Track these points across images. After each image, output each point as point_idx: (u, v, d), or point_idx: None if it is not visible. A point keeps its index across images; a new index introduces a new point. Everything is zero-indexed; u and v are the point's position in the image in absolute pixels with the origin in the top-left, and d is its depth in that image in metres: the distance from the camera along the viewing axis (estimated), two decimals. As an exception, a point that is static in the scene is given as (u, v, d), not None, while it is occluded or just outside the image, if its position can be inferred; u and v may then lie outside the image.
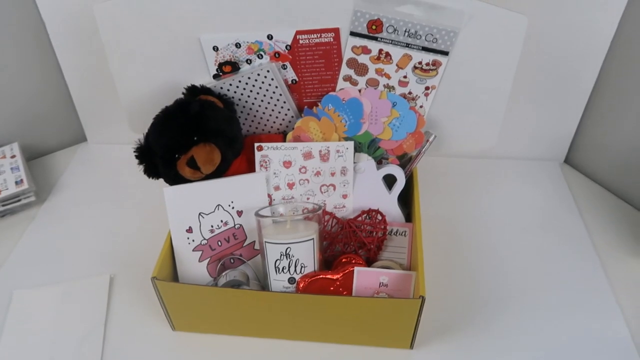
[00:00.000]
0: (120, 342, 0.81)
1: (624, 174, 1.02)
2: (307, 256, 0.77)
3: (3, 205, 0.99)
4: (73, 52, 1.05)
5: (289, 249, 0.76)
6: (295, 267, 0.77)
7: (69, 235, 0.99)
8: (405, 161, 0.91)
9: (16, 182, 1.00)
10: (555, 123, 1.06)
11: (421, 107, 0.90)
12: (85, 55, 1.03)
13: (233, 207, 0.82)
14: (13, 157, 1.06)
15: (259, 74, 0.88)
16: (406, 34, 0.83)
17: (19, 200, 1.01)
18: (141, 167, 0.83)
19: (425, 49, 0.84)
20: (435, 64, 0.86)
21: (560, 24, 0.90)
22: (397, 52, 0.85)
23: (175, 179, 0.81)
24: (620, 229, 0.97)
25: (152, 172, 0.83)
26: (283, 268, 0.77)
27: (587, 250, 0.93)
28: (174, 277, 0.82)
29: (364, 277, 0.78)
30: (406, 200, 0.91)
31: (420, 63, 0.86)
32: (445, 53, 0.85)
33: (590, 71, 0.97)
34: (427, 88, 0.88)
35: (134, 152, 0.82)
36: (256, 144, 0.84)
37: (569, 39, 0.93)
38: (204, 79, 0.90)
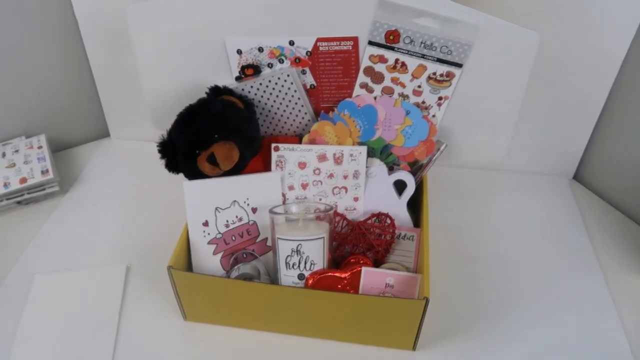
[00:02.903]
0: (133, 329, 0.85)
1: (633, 192, 1.04)
2: (317, 254, 0.80)
3: (28, 193, 1.04)
4: (102, 50, 1.09)
5: (300, 246, 0.79)
6: (305, 263, 0.80)
7: (89, 225, 1.03)
8: (416, 168, 0.94)
9: (42, 172, 1.05)
10: (565, 139, 1.09)
11: (434, 116, 0.93)
12: (114, 53, 1.08)
13: (248, 204, 0.86)
14: (40, 147, 1.10)
15: (279, 78, 0.91)
16: (422, 45, 0.87)
17: (44, 189, 1.05)
18: (163, 161, 0.86)
19: (440, 60, 0.87)
20: (449, 75, 0.88)
21: (573, 41, 0.93)
22: (412, 62, 0.88)
23: (194, 174, 0.84)
24: (626, 247, 0.98)
25: (172, 166, 0.86)
26: (293, 264, 0.80)
27: (591, 265, 0.95)
28: (189, 268, 0.85)
29: (370, 277, 0.80)
30: (415, 206, 0.93)
31: (434, 74, 0.89)
32: (459, 65, 0.87)
33: (602, 88, 1.00)
34: (440, 98, 0.91)
35: (157, 146, 0.85)
36: (273, 145, 0.87)
37: (581, 55, 0.95)
38: (227, 80, 0.93)
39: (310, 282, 0.80)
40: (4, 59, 1.06)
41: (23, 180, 1.03)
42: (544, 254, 0.97)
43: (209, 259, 0.84)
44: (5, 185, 1.02)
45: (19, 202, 1.04)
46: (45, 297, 0.89)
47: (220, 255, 0.85)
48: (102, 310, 0.86)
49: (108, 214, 1.05)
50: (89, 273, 0.92)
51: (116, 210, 1.06)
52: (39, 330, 0.84)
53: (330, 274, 0.81)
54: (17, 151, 1.09)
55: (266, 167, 0.89)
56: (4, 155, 1.08)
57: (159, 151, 0.85)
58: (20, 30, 1.04)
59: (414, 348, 0.82)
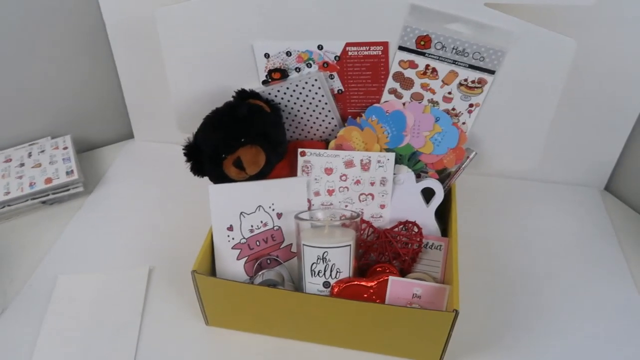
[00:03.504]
0: (154, 332, 0.84)
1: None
2: (343, 262, 0.79)
3: (53, 194, 1.04)
4: (129, 53, 1.09)
5: (326, 253, 0.78)
6: (331, 271, 0.78)
7: (112, 226, 1.02)
8: (444, 176, 0.92)
9: (67, 173, 1.05)
10: (597, 148, 1.05)
11: (464, 123, 0.91)
12: (140, 56, 1.08)
13: (273, 209, 0.85)
14: (65, 148, 1.11)
15: (306, 82, 0.90)
16: (454, 51, 0.85)
17: (68, 190, 1.05)
18: (188, 165, 0.86)
19: (472, 66, 0.86)
20: (481, 82, 0.87)
21: (608, 50, 0.90)
22: (443, 69, 0.87)
23: (219, 177, 0.84)
24: (661, 260, 0.95)
25: (198, 170, 0.86)
26: (319, 272, 0.79)
27: (624, 280, 0.91)
28: (212, 273, 0.84)
29: (397, 286, 0.79)
30: (442, 215, 0.91)
31: (465, 80, 0.87)
32: (492, 72, 0.86)
33: (637, 97, 0.97)
34: (471, 105, 0.89)
35: (183, 149, 0.85)
36: (299, 150, 0.86)
37: (616, 64, 0.92)
38: (254, 84, 0.93)
39: (335, 290, 0.78)
40: (32, 61, 1.07)
41: (48, 180, 1.03)
42: (575, 266, 0.94)
43: (232, 264, 0.83)
44: (31, 185, 1.02)
45: (43, 202, 1.05)
46: (68, 299, 0.88)
47: (244, 260, 0.84)
48: (124, 313, 0.86)
49: (131, 216, 1.05)
50: (111, 275, 0.92)
51: (140, 212, 1.06)
52: (61, 332, 0.83)
53: (356, 282, 0.79)
54: (43, 151, 1.10)
55: (292, 172, 0.88)
56: (30, 155, 1.09)
57: (185, 154, 0.85)
58: (48, 32, 1.05)
59: (440, 361, 0.80)
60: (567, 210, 1.06)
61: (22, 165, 1.07)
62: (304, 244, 0.79)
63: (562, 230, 1.02)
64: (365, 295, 0.79)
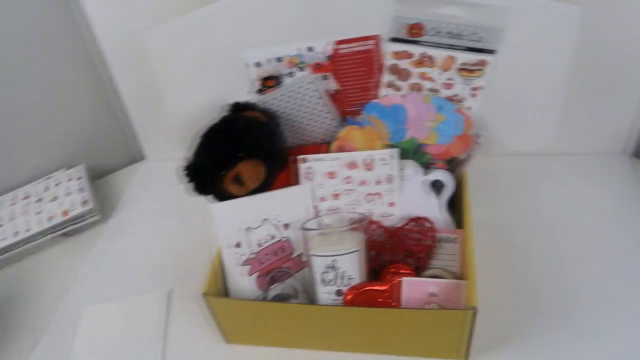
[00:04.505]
0: (177, 354, 0.84)
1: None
2: (353, 268, 0.77)
3: (72, 225, 1.06)
4: (129, 73, 1.10)
5: (335, 261, 0.76)
6: (342, 279, 0.77)
7: (132, 251, 1.04)
8: (454, 165, 0.88)
9: (82, 203, 1.07)
10: (619, 113, 0.99)
11: (469, 108, 0.87)
12: (140, 75, 1.08)
13: (279, 221, 0.83)
14: (79, 178, 1.13)
15: (301, 86, 0.88)
16: (449, 35, 0.81)
17: (85, 220, 1.07)
18: (190, 185, 0.85)
19: (470, 49, 0.81)
20: (482, 63, 0.82)
21: (620, 11, 0.83)
22: (440, 55, 0.83)
23: (222, 195, 0.83)
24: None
25: (201, 189, 0.85)
26: (330, 281, 0.77)
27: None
28: (225, 291, 0.83)
29: (412, 287, 0.76)
30: (457, 205, 0.88)
31: (465, 64, 0.83)
32: (492, 52, 0.81)
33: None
34: (474, 89, 0.85)
35: (183, 170, 0.85)
36: (300, 157, 0.85)
37: (629, 24, 0.86)
38: (249, 94, 0.92)
39: (348, 297, 0.77)
40: (40, 98, 1.09)
41: (65, 213, 1.05)
42: (606, 243, 0.88)
43: (244, 280, 0.83)
44: (49, 219, 1.05)
45: (64, 235, 1.07)
46: (94, 329, 0.90)
47: (255, 275, 0.83)
48: (147, 339, 0.87)
49: (149, 239, 1.06)
50: (132, 301, 0.93)
51: (157, 233, 1.06)
52: (89, 362, 0.85)
53: (369, 287, 0.77)
54: (59, 184, 1.12)
55: (296, 180, 0.87)
56: (46, 189, 1.11)
57: (186, 175, 0.84)
58: (51, 67, 1.07)
59: (466, 358, 0.77)
60: (592, 182, 1.00)
61: (39, 200, 1.09)
62: (311, 254, 0.78)
63: (589, 204, 0.96)
64: (380, 300, 0.77)
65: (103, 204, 1.13)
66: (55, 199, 1.09)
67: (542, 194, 0.99)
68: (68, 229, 1.06)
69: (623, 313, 0.79)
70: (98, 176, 1.23)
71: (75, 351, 0.87)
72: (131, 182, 1.21)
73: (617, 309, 0.79)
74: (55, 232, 1.05)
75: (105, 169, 1.24)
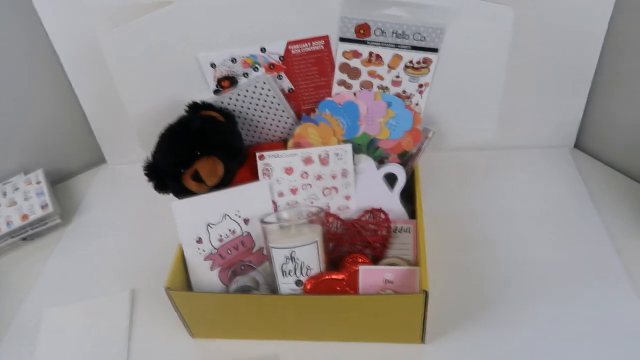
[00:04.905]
0: (143, 352, 0.85)
1: (635, 153, 1.00)
2: (311, 258, 0.80)
3: (31, 229, 1.06)
4: (86, 77, 1.10)
5: (293, 253, 0.79)
6: (301, 269, 0.80)
7: (93, 254, 1.04)
8: (406, 158, 0.93)
9: (41, 207, 1.06)
10: (561, 108, 1.05)
11: (417, 104, 0.92)
12: (98, 78, 1.08)
13: (239, 216, 0.86)
14: (38, 182, 1.12)
15: (256, 86, 0.91)
16: (394, 35, 0.85)
17: (45, 224, 1.07)
18: (151, 184, 0.87)
19: (414, 47, 0.86)
20: (426, 61, 0.87)
21: (553, 9, 0.89)
22: (387, 54, 0.87)
23: (183, 192, 0.85)
24: (633, 210, 0.95)
25: (161, 187, 0.87)
26: (289, 271, 0.80)
27: (599, 235, 0.91)
28: (188, 286, 0.85)
29: (368, 275, 0.80)
30: (410, 196, 0.92)
31: (411, 62, 0.87)
32: (435, 50, 0.86)
33: (591, 51, 0.96)
34: (420, 85, 0.89)
35: (143, 170, 0.86)
36: (258, 154, 0.87)
37: (563, 22, 0.92)
38: (205, 94, 0.94)
39: (308, 287, 0.80)
40: (-8, 102, 1.08)
41: (24, 217, 1.05)
42: (550, 228, 0.94)
43: (207, 275, 0.85)
44: (8, 224, 1.04)
45: (24, 239, 1.06)
46: (56, 331, 0.90)
47: (217, 270, 0.85)
48: (111, 339, 0.87)
49: (111, 240, 1.06)
50: (95, 302, 0.93)
51: (118, 235, 1.07)
52: (52, 365, 0.85)
53: (327, 277, 0.80)
54: (17, 189, 1.11)
55: (255, 177, 0.89)
56: (4, 194, 1.10)
57: (146, 174, 0.86)
58: (7, 71, 1.06)
59: (422, 340, 0.81)
60: (536, 173, 1.05)
61: (-3, 206, 1.08)
62: (271, 247, 0.80)
63: (534, 193, 1.01)
64: (339, 288, 0.80)
65: (63, 208, 1.13)
66: (13, 203, 1.08)
67: (488, 186, 1.04)
68: (28, 233, 1.05)
69: (560, 286, 0.84)
70: (58, 180, 1.22)
71: (37, 354, 0.87)
72: (91, 186, 1.21)
73: (554, 283, 0.85)
74: (14, 236, 1.04)
75: (65, 173, 1.23)
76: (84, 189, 1.20)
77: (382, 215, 0.87)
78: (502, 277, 0.88)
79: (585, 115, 1.06)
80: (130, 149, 1.19)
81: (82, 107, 1.15)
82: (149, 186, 0.88)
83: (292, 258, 0.79)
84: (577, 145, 1.11)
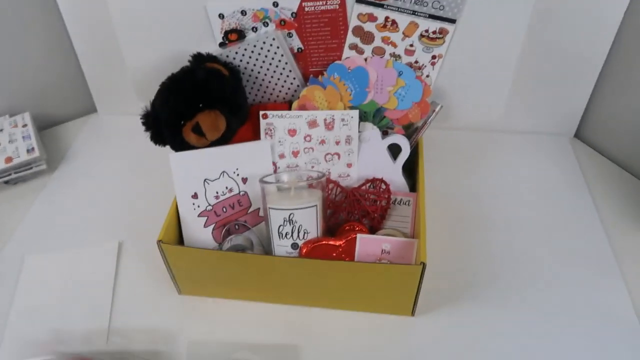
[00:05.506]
0: (127, 305, 0.83)
1: (634, 148, 1.01)
2: (310, 222, 0.78)
3: (15, 173, 1.01)
4: (82, 23, 1.05)
5: (292, 215, 0.77)
6: (299, 233, 0.78)
7: (79, 203, 1.01)
8: (411, 131, 0.91)
9: (27, 150, 1.02)
10: (565, 97, 1.05)
11: (427, 76, 0.90)
12: (95, 26, 1.04)
13: (238, 174, 0.83)
14: (24, 126, 1.07)
15: (264, 42, 0.87)
16: (413, 1, 0.83)
17: (31, 168, 1.03)
18: (148, 134, 0.83)
19: (432, 16, 0.84)
20: (442, 32, 0.85)
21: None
22: (403, 20, 0.84)
23: (181, 145, 0.82)
24: (628, 204, 0.96)
25: (158, 138, 0.84)
26: (286, 234, 0.78)
27: (593, 223, 0.92)
28: (180, 242, 0.83)
29: (366, 244, 0.78)
30: (411, 171, 0.91)
31: (427, 31, 0.85)
32: (453, 21, 0.84)
33: (602, 45, 0.95)
34: (433, 57, 0.87)
35: (141, 118, 0.83)
36: (261, 112, 0.84)
37: (581, 11, 0.91)
38: (210, 47, 0.90)
39: (304, 251, 0.78)
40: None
41: (8, 159, 1.00)
42: (545, 213, 0.95)
43: (200, 232, 0.83)
44: (-9, 165, 1.00)
45: (6, 182, 1.02)
46: (37, 278, 0.87)
47: (211, 227, 0.83)
48: (95, 289, 0.85)
49: (98, 191, 1.03)
50: (80, 252, 0.91)
51: (106, 186, 1.04)
52: (32, 312, 0.82)
53: (324, 242, 0.79)
54: (1, 130, 1.07)
55: (255, 136, 0.87)
56: (-12, 135, 1.06)
57: (143, 123, 0.83)
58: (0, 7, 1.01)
59: (412, 314, 0.80)
60: (536, 159, 1.06)
61: (-20, 146, 1.04)
62: (269, 207, 0.78)
63: (532, 178, 1.02)
64: (334, 254, 0.79)
65: (50, 154, 1.09)
66: (-3, 145, 1.03)
67: (490, 166, 1.04)
68: (11, 176, 1.01)
69: (552, 270, 0.85)
70: (45, 126, 1.17)
71: (17, 301, 0.84)
72: (80, 134, 1.16)
73: (546, 267, 0.86)
74: (-3, 179, 1.00)
75: (53, 120, 1.19)
76: (72, 137, 1.16)
77: (383, 186, 0.85)
78: (495, 257, 0.88)
79: (588, 107, 1.06)
80: (123, 100, 1.15)
81: (76, 51, 1.11)
82: (140, 139, 0.85)
83: (290, 220, 0.77)
84: (577, 135, 1.11)
